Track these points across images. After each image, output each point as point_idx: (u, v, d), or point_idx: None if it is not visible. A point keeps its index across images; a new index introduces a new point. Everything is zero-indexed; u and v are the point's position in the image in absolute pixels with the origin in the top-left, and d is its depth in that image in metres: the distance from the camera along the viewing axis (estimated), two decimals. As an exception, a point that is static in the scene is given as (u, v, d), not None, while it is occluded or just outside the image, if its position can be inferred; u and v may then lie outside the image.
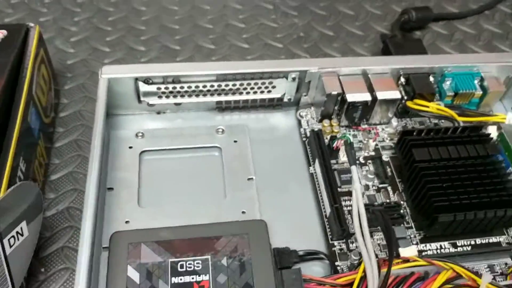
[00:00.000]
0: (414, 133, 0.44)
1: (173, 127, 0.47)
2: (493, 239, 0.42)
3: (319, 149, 0.45)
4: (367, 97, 0.46)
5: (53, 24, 0.56)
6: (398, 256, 0.39)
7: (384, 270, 0.36)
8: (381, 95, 0.46)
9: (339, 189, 0.43)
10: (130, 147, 0.45)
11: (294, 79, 0.47)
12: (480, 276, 0.36)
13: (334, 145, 0.44)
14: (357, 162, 0.46)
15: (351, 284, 0.36)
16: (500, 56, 0.50)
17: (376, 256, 0.37)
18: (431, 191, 0.40)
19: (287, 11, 0.61)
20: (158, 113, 0.48)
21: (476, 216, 0.39)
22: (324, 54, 0.56)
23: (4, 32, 0.41)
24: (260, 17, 0.60)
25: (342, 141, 0.44)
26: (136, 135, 0.46)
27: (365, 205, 0.41)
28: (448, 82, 0.49)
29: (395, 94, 0.46)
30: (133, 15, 0.59)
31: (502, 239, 0.42)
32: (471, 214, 0.39)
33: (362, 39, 0.58)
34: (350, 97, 0.46)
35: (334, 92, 0.45)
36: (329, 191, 0.42)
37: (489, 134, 0.44)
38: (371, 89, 0.47)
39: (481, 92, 0.49)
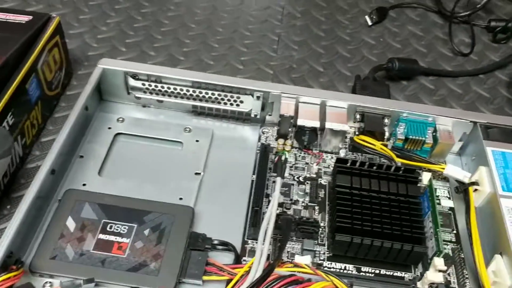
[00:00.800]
0: (348, 163, 0.48)
1: (150, 119, 0.55)
2: (398, 274, 0.45)
3: (260, 160, 0.50)
4: (315, 124, 0.51)
5: (89, 22, 0.68)
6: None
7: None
8: (329, 125, 0.51)
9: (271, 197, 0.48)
10: (109, 128, 0.54)
11: (258, 97, 0.53)
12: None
13: (276, 159, 0.50)
14: (297, 180, 0.51)
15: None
16: (459, 113, 0.53)
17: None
18: (338, 212, 0.44)
19: (289, 44, 0.68)
20: (144, 106, 0.57)
21: (373, 243, 0.42)
22: (307, 85, 0.62)
23: (30, 17, 0.52)
24: (262, 45, 0.67)
25: (281, 157, 0.49)
26: (117, 120, 0.54)
27: (282, 213, 0.46)
28: (401, 127, 0.53)
29: (343, 127, 0.51)
30: (155, 25, 0.68)
31: (407, 275, 0.45)
32: (368, 240, 0.42)
33: (348, 79, 0.63)
34: (300, 121, 0.51)
35: (287, 114, 0.51)
36: (256, 195, 0.47)
37: (417, 177, 0.47)
38: (323, 119, 0.52)
39: (431, 142, 0.52)
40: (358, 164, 0.47)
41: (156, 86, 0.54)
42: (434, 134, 0.53)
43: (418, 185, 0.48)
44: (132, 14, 0.70)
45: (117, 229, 0.44)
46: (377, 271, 0.45)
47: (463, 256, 0.46)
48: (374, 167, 0.47)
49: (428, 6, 0.77)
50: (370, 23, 0.72)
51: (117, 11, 0.70)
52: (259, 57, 0.66)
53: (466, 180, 0.49)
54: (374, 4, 0.77)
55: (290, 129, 0.53)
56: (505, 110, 0.62)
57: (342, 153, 0.53)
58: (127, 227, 0.44)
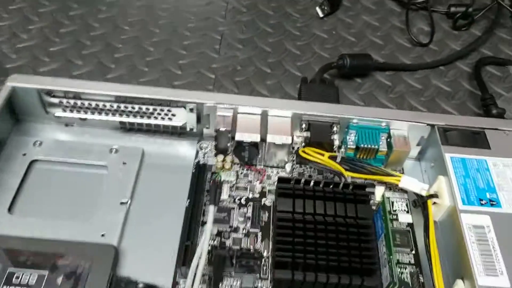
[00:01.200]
0: (292, 182, 0.42)
1: (72, 141, 0.49)
2: (351, 307, 0.40)
3: (195, 182, 0.44)
4: (255, 137, 0.45)
5: (7, 29, 0.60)
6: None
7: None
8: (271, 138, 0.45)
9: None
10: (24, 154, 0.47)
11: (192, 110, 0.47)
12: None
13: (211, 182, 0.44)
14: (238, 202, 0.45)
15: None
16: (415, 116, 0.48)
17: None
18: (278, 244, 0.38)
19: (232, 43, 0.62)
20: (66, 125, 0.50)
21: (318, 279, 0.37)
22: (252, 89, 0.56)
23: None
24: (203, 46, 0.61)
25: (216, 179, 0.44)
26: (34, 144, 0.48)
27: (219, 247, 0.41)
28: (351, 135, 0.47)
29: (286, 139, 0.45)
30: (84, 30, 0.61)
31: (361, 308, 0.40)
32: (312, 276, 0.37)
33: (298, 80, 0.58)
34: (238, 136, 0.45)
35: (223, 129, 0.45)
36: (187, 226, 0.41)
37: (368, 195, 0.42)
38: (264, 131, 0.46)
39: (385, 150, 0.47)
40: (302, 182, 0.42)
41: (75, 104, 0.47)
42: (388, 140, 0.47)
43: (371, 202, 0.43)
44: (58, 18, 0.63)
45: (25, 280, 0.38)
46: (327, 306, 0.40)
47: (422, 281, 0.41)
48: (321, 185, 0.42)
49: (385, -8, 0.72)
50: (321, 15, 0.66)
51: (41, 15, 0.63)
52: (200, 59, 0.59)
53: (424, 193, 0.44)
54: (326, -7, 0.71)
55: (229, 144, 0.47)
56: (468, 105, 0.57)
57: (288, 167, 0.47)
58: (36, 276, 0.38)
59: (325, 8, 0.66)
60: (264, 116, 0.47)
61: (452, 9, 0.68)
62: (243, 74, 0.58)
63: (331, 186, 0.42)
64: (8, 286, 0.37)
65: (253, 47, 0.62)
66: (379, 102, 0.56)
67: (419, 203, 0.44)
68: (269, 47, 0.62)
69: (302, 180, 0.42)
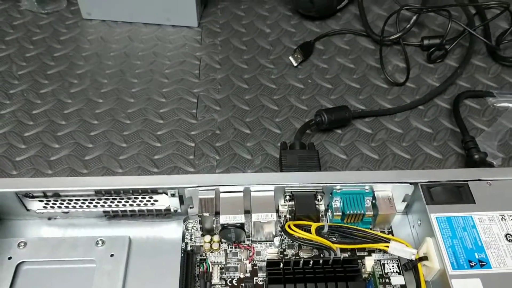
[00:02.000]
0: (281, 264, 0.42)
1: (56, 237, 0.48)
2: None
3: (184, 269, 0.44)
4: (240, 219, 0.45)
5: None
6: None
7: None
8: (256, 216, 0.45)
9: (201, 316, 0.43)
10: (9, 258, 0.46)
11: (173, 195, 0.47)
12: None
13: (200, 270, 0.44)
14: (230, 284, 0.45)
15: None
16: (396, 175, 0.48)
17: None
18: (273, 337, 0.38)
19: (209, 105, 0.61)
20: (49, 219, 0.50)
21: None
22: (234, 154, 0.56)
23: None
24: (180, 112, 0.61)
25: (204, 268, 0.43)
26: (18, 245, 0.47)
27: None
28: (336, 201, 0.47)
29: (271, 217, 0.45)
30: (57, 108, 0.61)
31: None
32: None
33: (278, 138, 0.58)
34: (223, 219, 0.45)
35: (206, 214, 0.45)
36: (180, 322, 0.41)
37: (358, 270, 0.42)
38: (248, 210, 0.46)
39: (372, 213, 0.47)
40: (292, 263, 0.42)
41: (56, 200, 0.47)
42: (373, 202, 0.47)
43: (363, 270, 0.43)
44: (30, 97, 0.62)
45: None
46: None
47: None
48: (310, 264, 0.42)
49: (357, 30, 0.72)
50: (295, 64, 0.66)
51: (11, 97, 0.62)
52: (178, 127, 0.59)
53: (413, 257, 0.44)
54: (298, 37, 0.71)
55: (214, 225, 0.47)
56: (449, 145, 0.57)
57: (276, 241, 0.47)
58: None
59: (298, 56, 0.66)
60: (247, 193, 0.47)
61: (426, 41, 0.69)
62: (223, 139, 0.58)
63: (320, 262, 0.42)
64: None
65: (230, 106, 0.61)
66: (362, 153, 0.56)
67: (410, 266, 0.44)
68: (246, 105, 0.62)
69: (291, 261, 0.42)
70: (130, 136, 0.58)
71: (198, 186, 0.46)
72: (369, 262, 0.44)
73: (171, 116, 0.60)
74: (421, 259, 0.44)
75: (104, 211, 0.49)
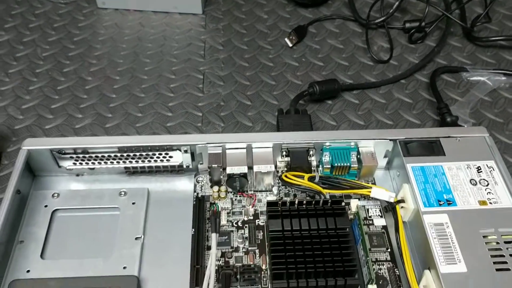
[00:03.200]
0: (279, 204, 0.50)
1: (85, 189, 0.56)
2: (343, 305, 0.47)
3: (197, 213, 0.52)
4: (244, 169, 0.52)
5: (11, 92, 0.67)
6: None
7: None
8: (257, 168, 0.53)
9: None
10: (46, 206, 0.54)
11: (186, 151, 0.54)
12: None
13: (210, 211, 0.51)
14: (235, 225, 0.52)
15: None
16: (378, 133, 0.55)
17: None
18: (273, 259, 0.46)
19: (214, 80, 0.69)
20: (77, 175, 0.57)
21: (309, 284, 0.44)
22: (236, 122, 0.64)
23: None
24: (188, 86, 0.68)
25: (215, 210, 0.51)
26: (53, 196, 0.55)
27: (224, 266, 0.48)
28: (326, 156, 0.55)
29: (270, 168, 0.53)
30: (79, 84, 0.68)
31: (352, 305, 0.47)
32: (304, 282, 0.44)
33: (275, 108, 0.65)
34: (229, 169, 0.53)
35: (215, 165, 0.53)
36: (195, 252, 0.49)
37: (344, 208, 0.49)
38: (250, 162, 0.53)
39: (357, 165, 0.55)
40: (288, 204, 0.50)
41: (84, 157, 0.55)
42: (358, 157, 0.55)
43: (349, 212, 0.50)
44: (54, 75, 0.70)
45: (66, 314, 0.45)
46: (322, 306, 0.47)
47: (398, 273, 0.49)
48: (304, 204, 0.50)
49: (346, 16, 0.79)
50: (290, 45, 0.74)
51: (38, 75, 0.70)
52: (187, 100, 0.67)
53: (392, 200, 0.52)
54: (293, 22, 0.78)
55: (222, 176, 0.54)
56: (427, 113, 0.65)
57: (275, 190, 0.55)
58: (75, 310, 0.45)
59: (293, 38, 0.74)
60: (249, 149, 0.54)
61: (407, 24, 0.76)
62: (227, 109, 0.65)
63: (312, 204, 0.50)
64: (52, 323, 0.44)
65: (232, 82, 0.69)
66: (349, 120, 0.64)
67: (389, 208, 0.52)
68: (246, 80, 0.69)
69: (288, 202, 0.50)
70: (145, 107, 0.65)
71: (207, 143, 0.54)
72: (353, 204, 0.52)
73: (180, 90, 0.68)
74: (399, 201, 0.51)
75: (125, 168, 0.56)
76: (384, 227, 0.53)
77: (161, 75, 0.70)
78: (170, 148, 0.54)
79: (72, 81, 0.69)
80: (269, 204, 0.50)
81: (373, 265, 0.48)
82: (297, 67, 0.71)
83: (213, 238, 0.48)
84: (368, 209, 0.54)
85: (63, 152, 0.54)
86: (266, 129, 0.63)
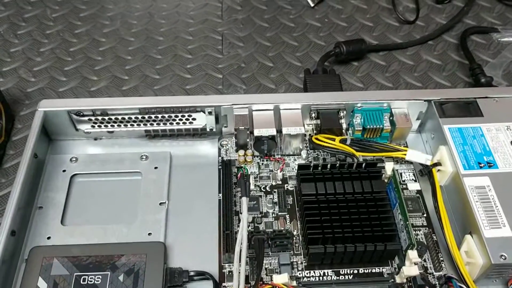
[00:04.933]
0: (310, 168, 0.47)
1: (104, 153, 0.53)
2: (376, 270, 0.45)
3: (223, 177, 0.49)
4: (272, 132, 0.50)
5: (21, 54, 0.64)
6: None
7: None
8: (286, 130, 0.50)
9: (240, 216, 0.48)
10: (64, 170, 0.52)
11: (210, 113, 0.52)
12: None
13: (238, 175, 0.49)
14: (264, 190, 0.50)
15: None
16: (412, 94, 0.52)
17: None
18: (308, 223, 0.44)
19: (233, 41, 0.66)
20: (95, 139, 0.55)
21: (347, 249, 0.42)
22: (259, 84, 0.61)
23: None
24: (207, 48, 0.65)
25: (243, 173, 0.48)
26: (71, 160, 0.52)
27: (254, 232, 0.46)
28: (357, 118, 0.52)
29: (299, 130, 0.50)
30: (92, 46, 0.65)
31: (385, 269, 0.45)
32: (342, 247, 0.42)
33: (299, 70, 0.62)
34: (257, 132, 0.50)
35: (242, 127, 0.50)
36: (224, 217, 0.46)
37: (380, 170, 0.47)
38: (279, 124, 0.51)
39: (389, 127, 0.52)
40: (320, 167, 0.47)
41: (103, 119, 0.52)
42: (391, 118, 0.52)
43: (383, 176, 0.48)
44: (66, 37, 0.66)
45: (91, 281, 0.43)
46: (356, 271, 0.45)
47: (436, 239, 0.47)
48: (336, 167, 0.47)
49: (369, -26, 0.76)
50: (312, 4, 0.70)
51: (49, 37, 0.66)
52: (206, 61, 0.63)
53: (429, 163, 0.49)
54: (314, -18, 0.75)
55: (248, 139, 0.52)
56: (458, 75, 0.62)
57: (303, 154, 0.52)
58: (100, 277, 0.43)
59: (315, -3, 0.71)
60: (277, 110, 0.52)
61: (433, -16, 0.73)
62: (248, 71, 0.62)
63: (346, 167, 0.47)
64: (78, 288, 0.43)
65: (253, 43, 0.66)
66: (377, 82, 0.61)
67: (425, 172, 0.49)
68: (267, 41, 0.66)
69: (320, 165, 0.47)
70: (162, 69, 0.62)
71: (233, 104, 0.51)
72: (389, 166, 0.49)
73: (199, 52, 0.65)
74: (435, 164, 0.49)
75: (146, 131, 0.54)
76: (419, 192, 0.51)
77: (177, 36, 0.67)
78: (194, 109, 0.51)
79: (84, 42, 0.65)
80: (301, 167, 0.47)
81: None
82: (320, 27, 0.68)
83: (244, 202, 0.45)
84: (401, 173, 0.52)
85: (81, 114, 0.51)
86: (291, 91, 0.60)
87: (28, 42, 0.65)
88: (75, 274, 0.43)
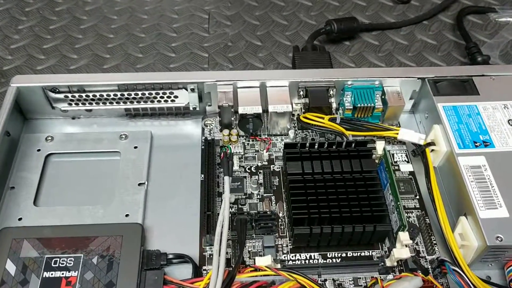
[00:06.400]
0: (298, 146, 0.45)
1: (82, 132, 0.51)
2: (366, 253, 0.43)
3: (206, 157, 0.47)
4: (258, 109, 0.47)
5: (-3, 31, 0.61)
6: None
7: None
8: (272, 108, 0.48)
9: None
10: (38, 150, 0.49)
11: (193, 90, 0.49)
12: (325, 288, 0.38)
13: (221, 155, 0.47)
14: (249, 171, 0.48)
15: (208, 288, 0.39)
16: (405, 71, 0.50)
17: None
18: (293, 203, 0.41)
19: (220, 20, 0.63)
20: (73, 118, 0.52)
21: (334, 230, 0.40)
22: (246, 63, 0.58)
23: None
24: (192, 26, 0.62)
25: (226, 152, 0.46)
26: (46, 139, 0.49)
27: (238, 213, 0.43)
28: (348, 96, 0.50)
29: (287, 107, 0.48)
30: (73, 24, 0.62)
31: (374, 253, 0.43)
32: (328, 228, 0.40)
33: (288, 49, 0.60)
34: (241, 109, 0.47)
35: (226, 104, 0.47)
36: (206, 198, 0.44)
37: (370, 150, 0.45)
38: (265, 102, 0.48)
39: (381, 106, 0.50)
40: (307, 146, 0.45)
41: (80, 96, 0.49)
42: (383, 97, 0.50)
43: (373, 156, 0.45)
44: (46, 14, 0.63)
45: (62, 263, 0.40)
46: (344, 255, 0.43)
47: (428, 222, 0.44)
48: (325, 146, 0.45)
49: (362, -46, 0.73)
50: (303, -17, 0.68)
51: (28, 14, 0.63)
52: (191, 40, 0.61)
53: (422, 142, 0.47)
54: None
55: (233, 118, 0.49)
56: (453, 55, 0.60)
57: (291, 134, 0.50)
58: (73, 259, 0.41)
59: (306, -24, 0.68)
60: (263, 88, 0.49)
61: (429, -37, 0.70)
62: (235, 50, 0.60)
63: (334, 146, 0.45)
64: (49, 271, 0.40)
65: (241, 22, 0.63)
66: (370, 62, 0.59)
67: (418, 152, 0.47)
68: (256, 20, 0.63)
69: (307, 144, 0.45)
70: (146, 48, 0.60)
71: (217, 81, 0.48)
72: (380, 146, 0.47)
73: (184, 30, 0.62)
74: (429, 144, 0.47)
75: (126, 109, 0.51)
76: (411, 173, 0.48)
77: (162, 14, 0.64)
78: (176, 86, 0.49)
79: (65, 20, 0.63)
80: (287, 146, 0.45)
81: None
82: (311, 6, 0.65)
83: (226, 181, 0.43)
84: (393, 154, 0.49)
85: (57, 90, 0.48)
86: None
87: (5, 19, 0.62)
88: (46, 256, 0.41)
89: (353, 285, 0.41)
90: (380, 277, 0.41)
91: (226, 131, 0.50)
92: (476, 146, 0.44)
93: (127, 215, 0.45)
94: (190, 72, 0.50)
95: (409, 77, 0.49)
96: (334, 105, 0.51)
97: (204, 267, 0.42)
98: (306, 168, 0.43)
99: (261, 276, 0.38)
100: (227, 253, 0.40)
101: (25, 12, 0.63)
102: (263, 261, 0.40)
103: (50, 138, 0.49)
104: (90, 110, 0.51)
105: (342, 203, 0.41)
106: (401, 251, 0.40)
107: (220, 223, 0.40)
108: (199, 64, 0.58)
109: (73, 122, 0.52)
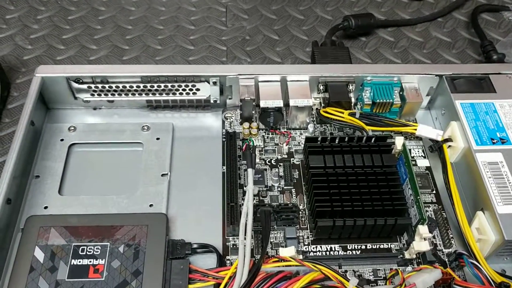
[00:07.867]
0: (318, 140, 0.46)
1: (104, 123, 0.51)
2: (385, 245, 0.44)
3: (228, 149, 0.48)
4: (279, 103, 0.48)
5: (17, 21, 0.61)
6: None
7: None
8: (293, 102, 0.48)
9: (245, 188, 0.46)
10: (62, 140, 0.50)
11: (215, 83, 0.50)
12: (348, 279, 0.39)
13: (244, 147, 0.47)
14: (269, 164, 0.49)
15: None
16: (423, 68, 0.51)
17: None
18: (316, 196, 0.42)
19: (238, 14, 0.64)
20: (95, 108, 0.53)
21: (356, 223, 0.41)
22: (263, 57, 0.59)
23: None
24: (210, 19, 0.63)
25: (249, 144, 0.47)
26: (69, 129, 0.50)
27: (260, 205, 0.44)
28: (367, 91, 0.51)
29: (307, 102, 0.48)
30: (91, 14, 0.63)
31: (393, 245, 0.44)
32: (351, 221, 0.41)
33: (306, 44, 0.60)
34: (263, 103, 0.48)
35: (248, 98, 0.48)
36: (229, 190, 0.45)
37: (390, 145, 0.46)
38: (285, 96, 0.49)
39: (399, 102, 0.51)
40: (328, 140, 0.46)
41: (103, 87, 0.50)
42: (401, 93, 0.51)
43: (393, 152, 0.46)
44: (64, 4, 0.64)
45: (89, 251, 0.41)
46: (363, 247, 0.44)
47: (445, 216, 0.46)
48: (345, 141, 0.46)
49: (377, -50, 0.74)
50: (319, -22, 0.69)
51: (46, 4, 0.64)
52: (209, 33, 0.61)
53: (439, 138, 0.48)
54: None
55: (253, 112, 0.50)
56: (467, 53, 0.61)
57: (310, 128, 0.51)
58: (100, 247, 0.42)
59: (322, -29, 0.69)
60: (284, 82, 0.50)
61: (443, -40, 0.71)
62: (253, 43, 0.61)
63: (355, 140, 0.46)
64: (77, 259, 0.41)
65: (258, 16, 0.64)
66: (386, 58, 0.60)
67: (435, 148, 0.48)
68: (273, 14, 0.64)
69: (328, 138, 0.46)
70: (164, 40, 0.60)
71: (239, 75, 0.49)
72: (399, 141, 0.48)
73: (202, 23, 0.63)
74: (446, 140, 0.48)
75: (147, 101, 0.52)
76: (428, 168, 0.49)
77: (180, 7, 0.64)
78: (198, 79, 0.49)
79: (83, 11, 0.63)
80: (308, 139, 0.46)
81: (421, 205, 0.45)
82: (327, 2, 0.66)
83: (250, 173, 0.44)
84: (410, 149, 0.50)
85: (81, 81, 0.49)
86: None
87: (24, 9, 0.63)
88: (73, 244, 0.42)
89: (373, 276, 0.42)
90: (399, 268, 0.42)
91: (246, 124, 0.50)
92: (494, 143, 0.46)
93: (151, 205, 0.45)
94: (211, 65, 0.51)
95: (427, 74, 0.50)
96: (353, 100, 0.51)
97: (227, 257, 0.43)
98: (328, 162, 0.44)
99: (285, 266, 0.40)
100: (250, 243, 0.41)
101: (43, 2, 0.64)
102: (287, 251, 0.41)
103: (73, 128, 0.50)
104: (112, 101, 0.51)
105: (364, 196, 0.42)
106: (421, 244, 0.41)
107: (244, 214, 0.42)
108: (217, 57, 0.59)
109: (94, 112, 0.52)
